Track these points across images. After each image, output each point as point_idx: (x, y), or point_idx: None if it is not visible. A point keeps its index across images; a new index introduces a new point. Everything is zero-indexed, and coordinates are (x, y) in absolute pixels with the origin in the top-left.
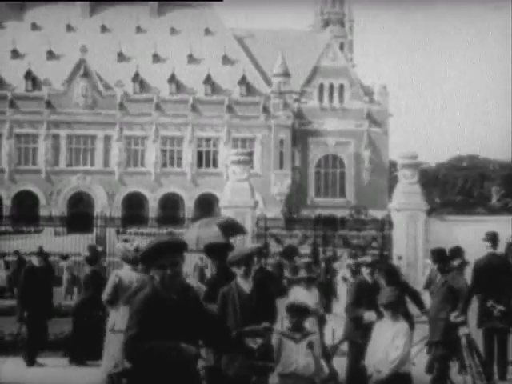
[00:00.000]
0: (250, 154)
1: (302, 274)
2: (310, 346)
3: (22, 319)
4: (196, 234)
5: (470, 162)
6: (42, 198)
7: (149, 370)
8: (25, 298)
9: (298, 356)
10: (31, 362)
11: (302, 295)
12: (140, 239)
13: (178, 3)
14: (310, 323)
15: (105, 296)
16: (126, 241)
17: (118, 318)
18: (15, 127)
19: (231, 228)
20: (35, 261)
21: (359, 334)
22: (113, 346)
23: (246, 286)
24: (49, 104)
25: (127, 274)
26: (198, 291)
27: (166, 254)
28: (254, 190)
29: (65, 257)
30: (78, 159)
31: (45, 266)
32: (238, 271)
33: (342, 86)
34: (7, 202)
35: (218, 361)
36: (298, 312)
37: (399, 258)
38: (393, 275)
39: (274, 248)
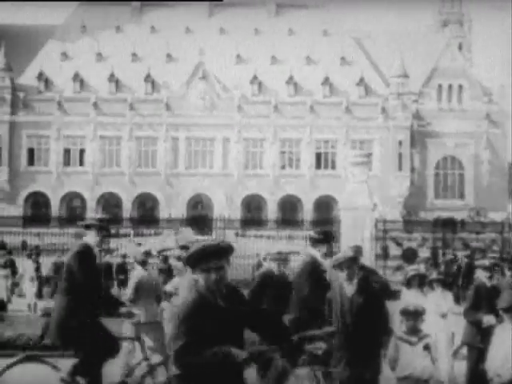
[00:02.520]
0: (369, 156)
1: (434, 275)
2: (427, 348)
3: None
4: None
5: None
6: (161, 200)
7: (199, 377)
8: None
9: (414, 359)
10: None
11: (413, 297)
12: (152, 242)
13: (297, 4)
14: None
15: (128, 296)
16: (139, 244)
17: (142, 312)
18: (135, 130)
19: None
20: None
21: (479, 339)
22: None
23: (350, 288)
24: (168, 106)
25: (140, 274)
26: None
27: (213, 257)
28: (372, 192)
29: (179, 258)
30: (197, 161)
31: (165, 268)
32: (341, 274)
33: (460, 87)
34: (128, 205)
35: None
36: (414, 315)
37: None
38: None
39: (394, 251)
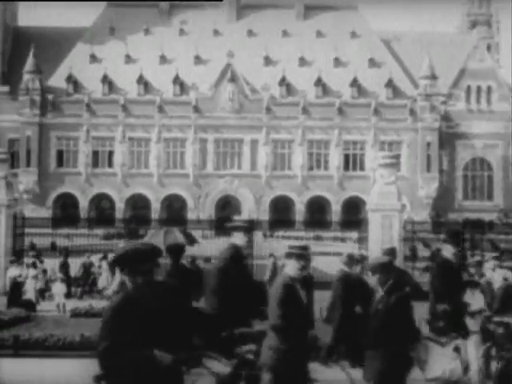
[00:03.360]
0: (397, 157)
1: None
2: (457, 349)
3: None
4: (162, 239)
5: None
6: (189, 201)
7: (123, 379)
8: None
9: (444, 360)
10: None
11: None
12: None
13: (325, 6)
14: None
15: (112, 290)
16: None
17: None
18: (164, 131)
19: (189, 235)
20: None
21: (507, 340)
22: None
23: (379, 294)
24: (196, 108)
25: None
26: None
27: (140, 260)
28: (401, 194)
29: (207, 260)
30: (225, 163)
31: (194, 268)
32: (373, 278)
33: (489, 88)
34: (156, 205)
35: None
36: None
37: None
38: None
39: (422, 252)
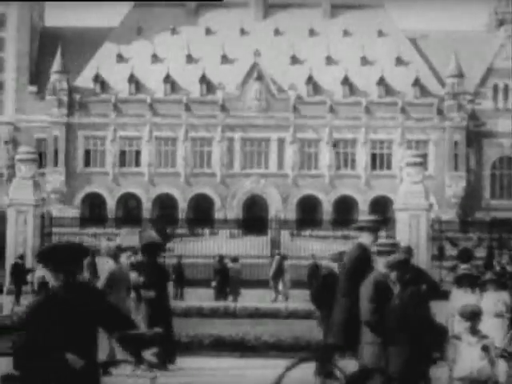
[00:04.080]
0: (424, 156)
1: (488, 275)
2: (485, 349)
3: None
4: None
5: None
6: (217, 201)
7: (37, 380)
8: None
9: (472, 360)
10: None
11: (462, 297)
12: (128, 238)
13: (351, 5)
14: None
15: (100, 287)
16: (109, 239)
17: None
18: (190, 131)
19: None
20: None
21: None
22: None
23: (396, 290)
24: (223, 108)
25: (112, 267)
26: None
27: (62, 258)
28: (428, 193)
29: (234, 259)
30: (252, 162)
31: (221, 268)
32: (392, 274)
33: None
34: (183, 205)
35: None
36: (471, 316)
37: None
38: None
39: (449, 251)
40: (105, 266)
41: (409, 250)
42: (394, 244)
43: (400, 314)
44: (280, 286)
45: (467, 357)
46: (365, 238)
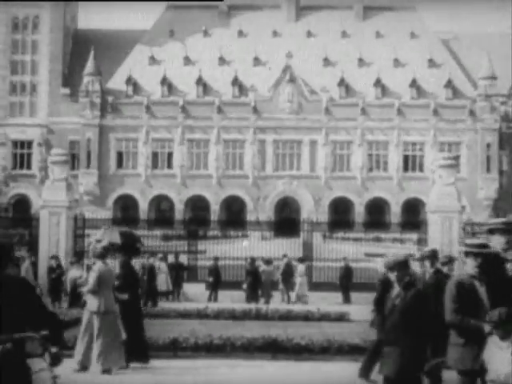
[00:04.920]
0: (457, 158)
1: None
2: None
3: None
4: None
5: None
6: (249, 202)
7: None
8: None
9: (502, 364)
10: None
11: None
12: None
13: (383, 7)
14: None
15: (90, 287)
16: (98, 241)
17: (102, 302)
18: (222, 133)
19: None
20: None
21: None
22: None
23: (396, 290)
24: (255, 110)
25: (100, 267)
26: None
27: None
28: (460, 195)
29: (267, 261)
30: (284, 164)
31: (253, 270)
32: (392, 276)
33: None
34: (215, 207)
35: None
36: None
37: None
38: None
39: None
40: (93, 267)
41: (433, 254)
42: (482, 245)
43: (402, 316)
44: (296, 288)
45: (497, 361)
46: (495, 240)
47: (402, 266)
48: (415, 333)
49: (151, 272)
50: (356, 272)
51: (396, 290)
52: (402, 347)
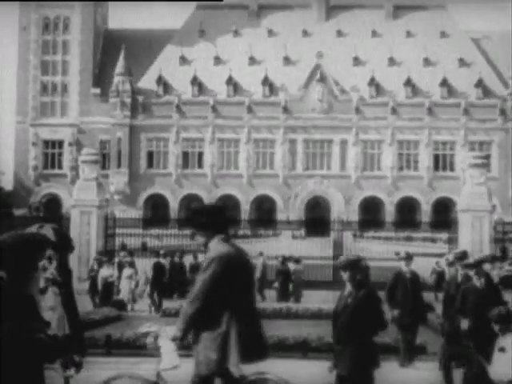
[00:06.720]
0: (488, 157)
1: None
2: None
3: None
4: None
5: None
6: (279, 202)
7: None
8: None
9: (506, 365)
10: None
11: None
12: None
13: (414, 6)
14: None
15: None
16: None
17: None
18: (253, 132)
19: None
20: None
21: None
22: None
23: (348, 289)
24: (285, 109)
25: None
26: None
27: None
28: (491, 194)
29: (297, 260)
30: (315, 163)
31: (284, 269)
32: (344, 275)
33: None
34: (246, 207)
35: None
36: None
37: None
38: None
39: None
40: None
41: (463, 255)
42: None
43: (354, 314)
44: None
45: (500, 361)
46: None
47: (354, 265)
48: (365, 331)
49: (181, 270)
50: (386, 272)
51: (347, 289)
52: (353, 345)
